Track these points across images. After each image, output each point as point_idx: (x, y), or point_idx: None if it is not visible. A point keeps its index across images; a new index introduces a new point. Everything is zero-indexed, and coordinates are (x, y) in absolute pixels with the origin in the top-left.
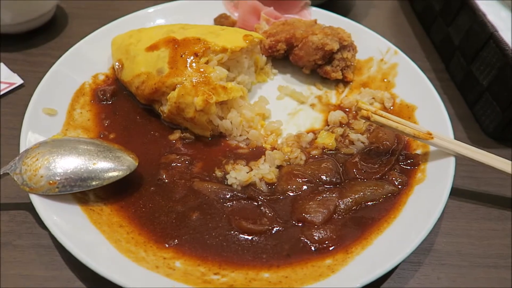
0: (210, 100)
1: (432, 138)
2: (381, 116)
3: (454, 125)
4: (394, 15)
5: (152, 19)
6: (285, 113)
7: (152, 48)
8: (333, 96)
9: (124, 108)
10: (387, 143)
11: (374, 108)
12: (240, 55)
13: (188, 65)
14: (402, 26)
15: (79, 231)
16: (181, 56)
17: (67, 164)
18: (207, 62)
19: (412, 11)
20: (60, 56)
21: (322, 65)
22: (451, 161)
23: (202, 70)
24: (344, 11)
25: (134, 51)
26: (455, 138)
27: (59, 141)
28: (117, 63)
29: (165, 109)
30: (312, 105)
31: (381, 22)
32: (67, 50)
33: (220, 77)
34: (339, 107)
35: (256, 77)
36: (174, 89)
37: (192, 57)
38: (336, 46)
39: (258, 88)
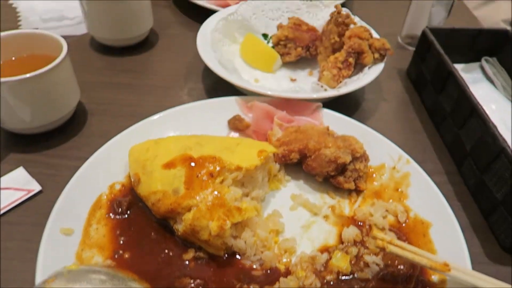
0: (225, 226)
1: (449, 270)
2: (396, 246)
3: (469, 237)
4: (404, 110)
5: (168, 120)
6: (298, 225)
7: (169, 165)
8: (346, 206)
9: (139, 222)
10: (403, 268)
11: (389, 237)
12: (255, 172)
13: (203, 186)
14: (413, 121)
15: None
16: (197, 176)
17: None
18: (222, 181)
19: (423, 106)
20: (79, 157)
21: (335, 176)
22: None
23: (217, 192)
24: (354, 105)
25: (151, 167)
26: (470, 253)
27: (74, 274)
28: (134, 176)
29: (179, 227)
30: (326, 217)
31: (391, 116)
32: (85, 151)
33: (235, 198)
34: (352, 219)
35: (269, 184)
36: (189, 210)
37: (207, 178)
38: (348, 159)
39: (272, 197)
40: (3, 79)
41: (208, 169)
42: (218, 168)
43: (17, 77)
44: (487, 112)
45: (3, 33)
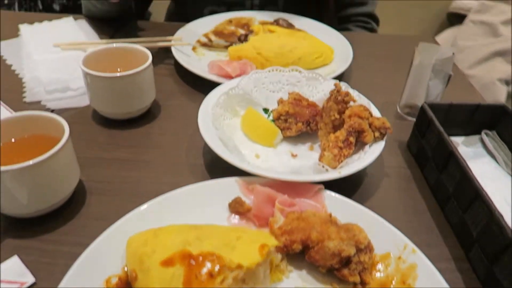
0: None
1: None
2: None
3: None
4: (407, 187)
5: (167, 205)
6: None
7: (167, 263)
8: None
9: None
10: None
11: None
12: (256, 268)
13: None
14: (416, 199)
15: None
16: (196, 276)
17: None
18: (222, 280)
19: (425, 182)
20: (75, 242)
21: (339, 268)
22: None
23: None
24: (356, 181)
25: (148, 263)
26: None
27: None
28: (130, 272)
29: None
30: None
31: (394, 194)
32: (83, 235)
33: None
34: None
35: (271, 276)
36: None
37: (207, 278)
38: (352, 251)
39: None
40: (3, 168)
41: (208, 268)
42: (217, 267)
43: (18, 165)
44: (490, 190)
45: (3, 118)
